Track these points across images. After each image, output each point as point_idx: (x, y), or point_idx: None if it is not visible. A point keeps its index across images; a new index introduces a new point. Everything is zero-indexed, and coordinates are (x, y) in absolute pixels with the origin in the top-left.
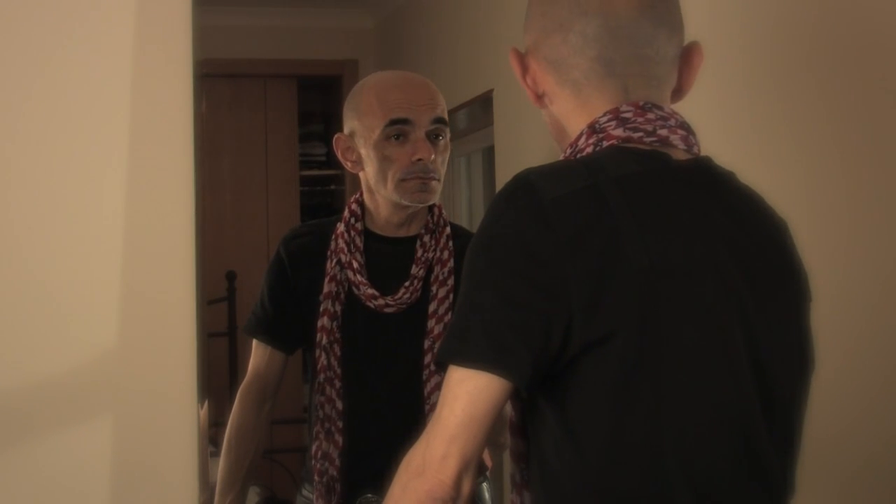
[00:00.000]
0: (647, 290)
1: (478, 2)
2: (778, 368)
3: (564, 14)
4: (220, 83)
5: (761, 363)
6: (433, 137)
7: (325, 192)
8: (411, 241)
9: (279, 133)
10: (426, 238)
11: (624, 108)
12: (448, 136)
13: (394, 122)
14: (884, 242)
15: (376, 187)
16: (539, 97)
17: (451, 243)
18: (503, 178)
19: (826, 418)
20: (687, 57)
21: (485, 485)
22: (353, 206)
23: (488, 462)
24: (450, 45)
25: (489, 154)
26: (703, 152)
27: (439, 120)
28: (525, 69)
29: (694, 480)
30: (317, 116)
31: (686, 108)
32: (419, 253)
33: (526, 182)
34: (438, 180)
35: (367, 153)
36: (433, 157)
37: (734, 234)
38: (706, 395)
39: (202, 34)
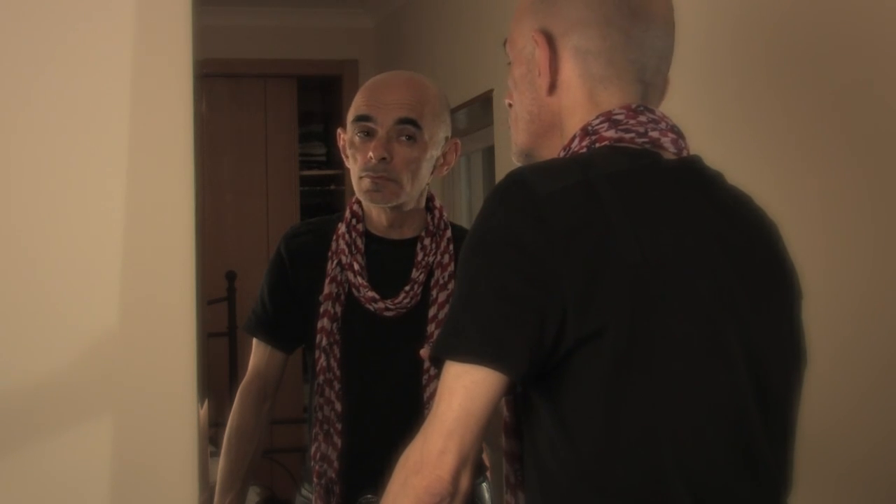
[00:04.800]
0: (639, 284)
1: (478, 2)
2: (771, 363)
3: (611, 10)
4: (220, 83)
5: (754, 358)
6: (402, 138)
7: (325, 192)
8: (412, 243)
9: (279, 133)
10: (426, 241)
11: (616, 110)
12: (425, 137)
13: (358, 119)
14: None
15: (353, 184)
16: (552, 85)
17: (451, 247)
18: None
19: (820, 413)
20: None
21: (484, 485)
22: (355, 207)
23: (486, 462)
24: (450, 45)
25: (489, 154)
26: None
27: (406, 120)
28: (553, 53)
29: (689, 473)
30: (317, 116)
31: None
32: (419, 256)
33: (519, 178)
34: (395, 181)
35: (347, 149)
36: (384, 155)
37: (725, 230)
38: (699, 389)
39: (202, 34)
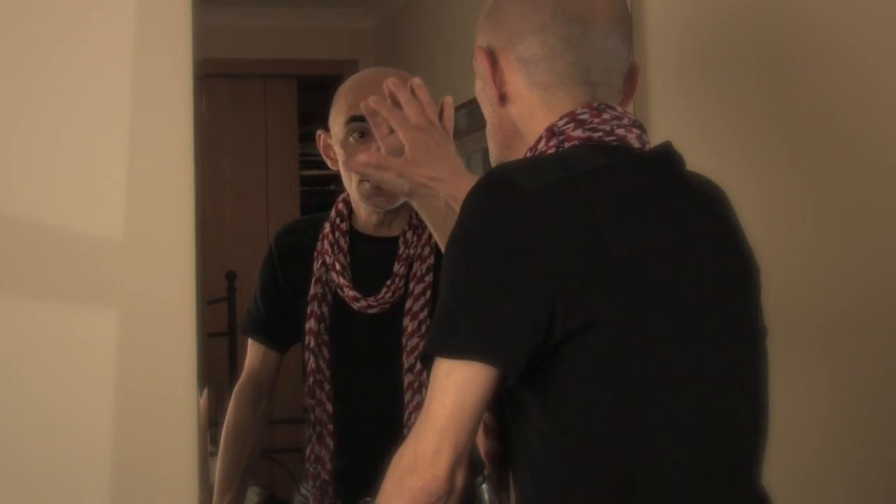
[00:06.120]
0: (626, 277)
1: (478, 2)
2: (748, 346)
3: (547, 17)
4: (220, 83)
5: (735, 343)
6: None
7: (325, 192)
8: (397, 240)
9: (279, 133)
10: (409, 234)
11: (579, 110)
12: None
13: (353, 120)
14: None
15: (346, 187)
16: (501, 97)
17: (432, 239)
18: None
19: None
20: (631, 76)
21: (484, 486)
22: (340, 206)
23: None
24: (450, 45)
25: (488, 154)
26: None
27: None
28: (494, 67)
29: (681, 461)
30: (317, 116)
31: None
32: (401, 250)
33: (503, 175)
34: None
35: (337, 151)
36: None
37: (698, 218)
38: (690, 378)
39: (202, 34)
